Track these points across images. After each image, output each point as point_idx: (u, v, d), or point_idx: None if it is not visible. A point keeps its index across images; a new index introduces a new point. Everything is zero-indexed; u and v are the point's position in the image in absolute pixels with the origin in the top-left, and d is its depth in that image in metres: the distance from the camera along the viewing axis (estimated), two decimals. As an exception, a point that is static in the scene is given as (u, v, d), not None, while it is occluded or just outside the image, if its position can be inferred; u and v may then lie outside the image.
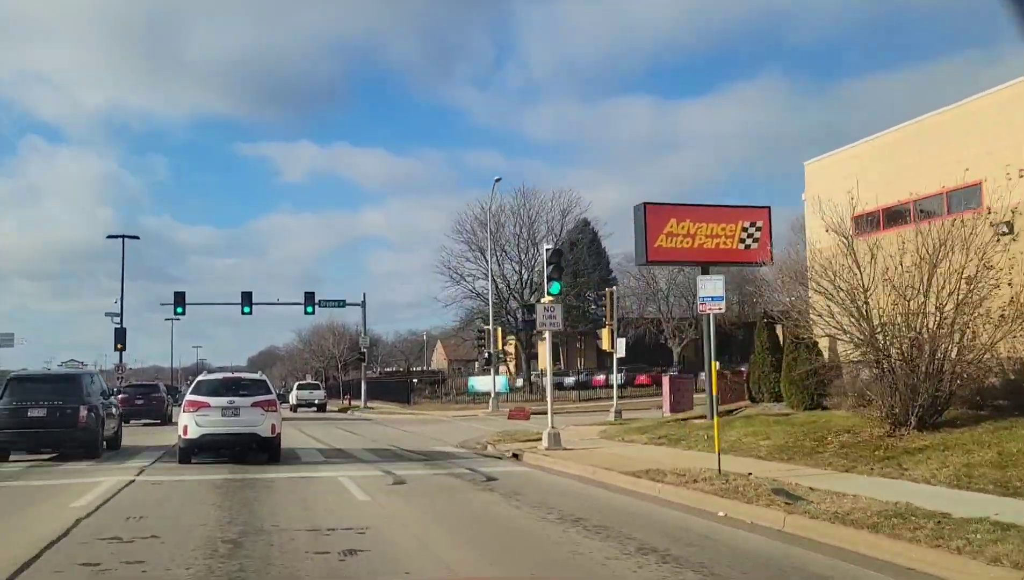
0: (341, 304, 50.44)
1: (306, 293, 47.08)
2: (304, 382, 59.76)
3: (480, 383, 52.74)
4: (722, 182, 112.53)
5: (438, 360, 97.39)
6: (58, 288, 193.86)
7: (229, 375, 19.82)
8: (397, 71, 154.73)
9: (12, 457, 17.24)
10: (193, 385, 17.48)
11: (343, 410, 49.80)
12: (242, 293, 45.44)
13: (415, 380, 67.60)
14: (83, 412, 17.00)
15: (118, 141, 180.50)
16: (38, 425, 16.79)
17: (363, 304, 52.05)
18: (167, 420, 33.19)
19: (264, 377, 18.48)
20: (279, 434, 16.39)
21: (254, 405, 16.06)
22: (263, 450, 16.15)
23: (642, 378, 50.61)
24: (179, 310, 43.68)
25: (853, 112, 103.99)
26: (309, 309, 46.87)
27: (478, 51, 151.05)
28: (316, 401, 49.57)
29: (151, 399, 34.19)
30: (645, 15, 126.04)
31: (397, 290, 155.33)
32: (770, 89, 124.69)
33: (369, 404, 50.23)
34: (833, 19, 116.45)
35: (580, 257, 53.25)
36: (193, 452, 16.00)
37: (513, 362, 64.31)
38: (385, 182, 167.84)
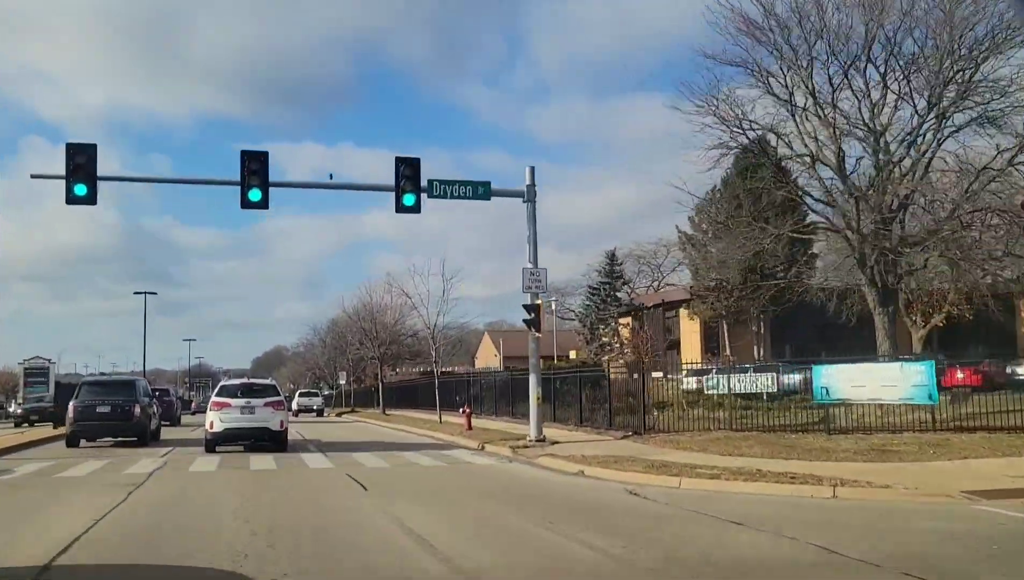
0: (480, 190, 21.50)
1: (399, 159, 21.34)
2: (304, 390, 65.84)
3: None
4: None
5: (485, 358, 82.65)
6: (58, 290, 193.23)
7: (246, 381, 23.05)
8: (404, 69, 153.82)
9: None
10: (216, 389, 21.95)
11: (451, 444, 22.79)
12: (243, 152, 21.40)
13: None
14: (136, 410, 22.06)
15: (120, 141, 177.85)
16: (103, 418, 21.80)
17: (529, 193, 21.60)
18: (176, 421, 38.95)
19: (274, 382, 23.36)
20: (286, 428, 20.80)
21: (266, 405, 20.30)
22: (273, 441, 19.92)
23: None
24: (80, 191, 18.52)
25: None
26: (408, 198, 21.14)
27: (488, 48, 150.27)
28: (315, 407, 55.79)
29: (162, 402, 39.09)
30: (657, 12, 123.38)
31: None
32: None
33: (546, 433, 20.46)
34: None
35: (762, 182, 27.97)
36: (218, 443, 20.15)
37: (708, 349, 41.36)
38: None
